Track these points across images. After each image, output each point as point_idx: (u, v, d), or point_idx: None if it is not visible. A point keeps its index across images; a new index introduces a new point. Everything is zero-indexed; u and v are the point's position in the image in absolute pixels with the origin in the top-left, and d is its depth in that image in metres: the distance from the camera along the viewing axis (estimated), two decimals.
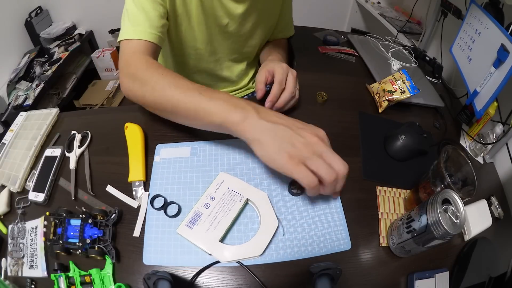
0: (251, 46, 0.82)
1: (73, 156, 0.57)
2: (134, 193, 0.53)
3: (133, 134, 0.59)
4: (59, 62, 1.76)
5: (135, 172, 0.54)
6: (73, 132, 0.62)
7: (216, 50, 0.78)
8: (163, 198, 0.52)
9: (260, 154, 0.44)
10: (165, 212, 0.51)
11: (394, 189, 0.59)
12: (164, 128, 0.64)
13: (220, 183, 0.52)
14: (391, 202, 0.57)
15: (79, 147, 0.59)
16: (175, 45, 0.74)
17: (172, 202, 0.52)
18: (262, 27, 0.78)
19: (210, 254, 0.46)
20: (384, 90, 0.73)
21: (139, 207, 0.52)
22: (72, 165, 0.56)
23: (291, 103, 0.64)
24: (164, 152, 0.59)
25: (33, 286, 0.45)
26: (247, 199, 0.51)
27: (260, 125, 0.44)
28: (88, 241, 0.45)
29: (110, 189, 0.54)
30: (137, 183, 0.54)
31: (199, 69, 0.82)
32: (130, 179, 0.54)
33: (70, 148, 0.60)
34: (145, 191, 0.53)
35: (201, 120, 0.48)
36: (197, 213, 0.49)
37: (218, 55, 0.80)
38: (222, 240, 0.47)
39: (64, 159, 0.59)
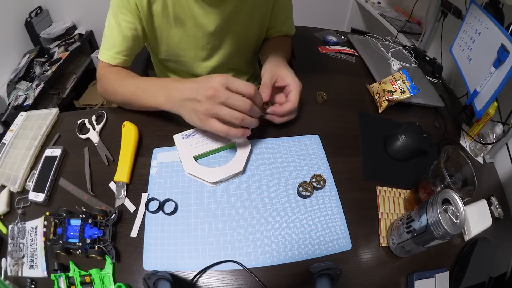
0: (242, 49, 0.80)
1: (93, 134, 0.62)
2: (116, 193, 0.53)
3: (128, 133, 0.59)
4: (59, 62, 1.75)
5: (121, 173, 0.55)
6: (80, 120, 0.65)
7: (201, 57, 0.76)
8: (157, 201, 0.52)
9: (188, 122, 0.54)
10: (163, 211, 0.51)
11: (394, 189, 0.59)
12: (163, 129, 0.64)
13: None
14: (391, 202, 0.57)
15: (97, 124, 0.64)
16: (157, 53, 0.77)
17: (168, 200, 0.53)
18: (253, 26, 0.75)
19: (180, 161, 0.56)
20: (384, 90, 0.73)
21: (137, 208, 0.52)
22: (96, 139, 0.61)
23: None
24: (161, 156, 0.59)
25: (33, 286, 0.45)
26: (234, 142, 0.58)
27: (174, 104, 0.55)
28: (88, 241, 0.45)
29: (112, 186, 0.54)
30: (121, 183, 0.54)
31: (183, 72, 0.83)
32: (115, 178, 0.54)
33: (82, 132, 0.63)
34: (126, 193, 0.53)
35: (145, 107, 0.61)
36: (194, 132, 0.59)
37: (204, 62, 0.78)
38: (196, 158, 0.57)
39: (64, 159, 0.59)
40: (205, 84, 0.49)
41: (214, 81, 0.49)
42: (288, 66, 0.65)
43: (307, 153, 0.61)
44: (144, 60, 0.97)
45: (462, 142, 0.74)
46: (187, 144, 0.58)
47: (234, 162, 0.56)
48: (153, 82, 0.61)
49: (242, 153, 0.57)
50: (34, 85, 1.65)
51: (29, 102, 1.58)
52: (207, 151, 0.57)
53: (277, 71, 0.61)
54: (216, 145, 0.58)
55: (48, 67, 1.73)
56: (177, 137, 0.59)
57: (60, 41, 1.90)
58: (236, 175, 0.56)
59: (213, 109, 0.48)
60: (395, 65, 0.90)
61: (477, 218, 0.56)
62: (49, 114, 0.66)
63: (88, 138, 0.62)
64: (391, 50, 0.98)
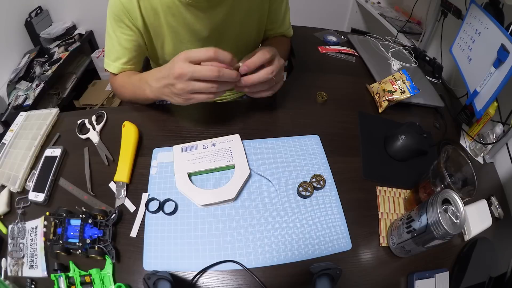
0: (239, 53, 0.78)
1: (93, 134, 0.62)
2: (116, 193, 0.53)
3: (128, 133, 0.59)
4: (59, 62, 1.75)
5: (121, 173, 0.55)
6: (80, 120, 0.65)
7: None
8: (157, 201, 0.52)
9: (176, 104, 0.56)
10: (163, 211, 0.51)
11: (394, 189, 0.59)
12: (163, 129, 0.64)
13: (229, 140, 0.59)
14: (391, 202, 0.57)
15: (97, 124, 0.64)
16: (154, 59, 0.77)
17: (168, 200, 0.53)
18: (249, 30, 0.75)
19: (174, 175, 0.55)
20: (384, 90, 0.73)
21: (137, 208, 0.52)
22: (96, 139, 0.61)
23: (264, 89, 0.56)
24: (161, 156, 0.59)
25: (33, 286, 0.45)
26: (233, 164, 0.56)
27: (157, 93, 0.57)
28: (88, 241, 0.45)
29: (112, 186, 0.54)
30: (121, 183, 0.54)
31: None
32: (115, 178, 0.54)
33: (82, 132, 0.63)
34: (126, 193, 0.53)
35: (145, 101, 0.68)
36: (195, 146, 0.58)
37: None
38: (190, 175, 0.55)
39: (64, 159, 0.59)
40: (172, 66, 0.51)
41: (177, 60, 0.50)
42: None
43: (307, 153, 0.61)
44: (144, 60, 0.97)
45: (462, 142, 0.74)
46: (184, 158, 0.56)
47: (228, 187, 0.53)
48: (137, 78, 0.64)
49: (238, 179, 0.54)
50: (34, 85, 1.65)
51: (29, 102, 1.58)
52: (203, 169, 0.55)
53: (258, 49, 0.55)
54: (214, 165, 0.55)
55: (48, 67, 1.73)
56: (176, 148, 0.58)
57: (60, 41, 1.90)
58: (226, 201, 0.53)
59: (187, 86, 0.50)
60: (395, 65, 0.90)
61: (477, 218, 0.56)
62: (49, 114, 0.66)
63: (88, 138, 0.62)
64: (391, 50, 0.98)
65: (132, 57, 0.68)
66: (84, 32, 2.01)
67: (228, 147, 0.58)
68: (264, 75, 0.53)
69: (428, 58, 0.96)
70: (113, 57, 0.68)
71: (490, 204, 0.60)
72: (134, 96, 0.67)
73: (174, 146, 0.58)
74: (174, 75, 0.50)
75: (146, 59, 0.96)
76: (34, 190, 0.53)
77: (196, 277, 0.45)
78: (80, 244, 0.45)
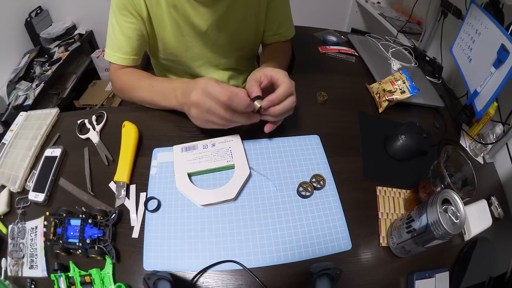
0: (238, 49, 0.79)
1: (93, 134, 0.62)
2: (116, 193, 0.53)
3: (128, 133, 0.59)
4: (59, 62, 1.75)
5: (121, 173, 0.54)
6: (80, 120, 0.65)
7: (197, 56, 0.76)
8: (156, 200, 0.52)
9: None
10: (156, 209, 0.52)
11: (394, 189, 0.59)
12: (163, 129, 0.64)
13: (229, 140, 0.59)
14: (391, 202, 0.57)
15: (97, 124, 0.64)
16: (155, 53, 0.77)
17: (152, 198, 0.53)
18: (248, 27, 0.75)
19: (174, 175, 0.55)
20: (384, 90, 0.73)
21: (137, 208, 0.52)
22: (96, 139, 0.61)
23: (280, 119, 0.58)
24: (161, 156, 0.59)
25: (33, 286, 0.45)
26: (233, 164, 0.56)
27: (182, 106, 0.57)
28: (88, 241, 0.45)
29: (112, 186, 0.54)
30: (121, 183, 0.54)
31: (181, 72, 0.83)
32: (115, 178, 0.54)
33: (82, 132, 0.63)
34: (126, 193, 0.53)
35: (161, 108, 0.65)
36: (195, 146, 0.58)
37: (201, 61, 0.78)
38: (190, 175, 0.55)
39: (64, 159, 0.59)
40: (192, 87, 0.51)
41: (197, 86, 0.50)
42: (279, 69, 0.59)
43: (307, 153, 0.61)
44: (144, 59, 0.97)
45: (462, 142, 0.74)
46: (184, 158, 0.56)
47: (228, 187, 0.53)
48: (164, 85, 0.62)
49: (238, 179, 0.54)
50: (34, 85, 1.65)
51: (29, 102, 1.58)
52: (203, 169, 0.55)
53: (264, 70, 0.56)
54: (214, 165, 0.55)
55: (48, 67, 1.73)
56: (176, 148, 0.58)
57: (60, 41, 1.90)
58: (226, 201, 0.53)
59: (203, 116, 0.51)
60: (395, 65, 0.90)
61: (477, 218, 0.56)
62: (49, 114, 0.66)
63: (88, 138, 0.62)
64: (391, 50, 0.98)
65: (135, 46, 0.67)
66: (84, 32, 2.01)
67: (228, 147, 0.58)
68: (290, 104, 0.55)
69: (428, 58, 0.96)
70: (115, 47, 0.67)
71: (490, 204, 0.60)
72: (150, 100, 0.64)
73: (174, 146, 0.59)
74: (190, 101, 0.51)
75: (147, 57, 0.96)
76: (34, 190, 0.53)
77: (196, 277, 0.45)
78: (80, 244, 0.45)
